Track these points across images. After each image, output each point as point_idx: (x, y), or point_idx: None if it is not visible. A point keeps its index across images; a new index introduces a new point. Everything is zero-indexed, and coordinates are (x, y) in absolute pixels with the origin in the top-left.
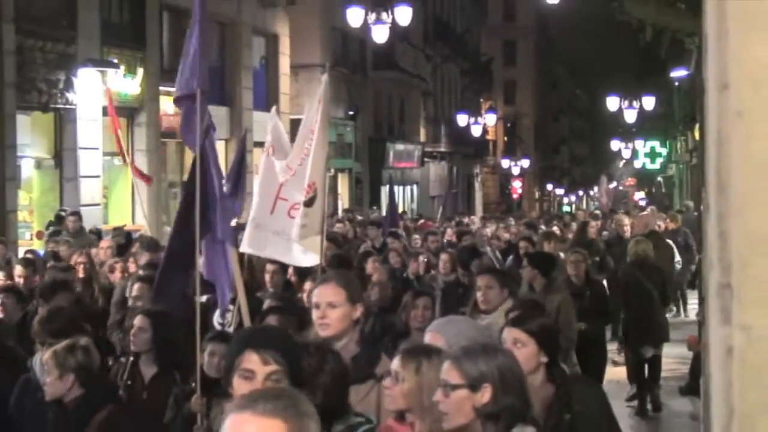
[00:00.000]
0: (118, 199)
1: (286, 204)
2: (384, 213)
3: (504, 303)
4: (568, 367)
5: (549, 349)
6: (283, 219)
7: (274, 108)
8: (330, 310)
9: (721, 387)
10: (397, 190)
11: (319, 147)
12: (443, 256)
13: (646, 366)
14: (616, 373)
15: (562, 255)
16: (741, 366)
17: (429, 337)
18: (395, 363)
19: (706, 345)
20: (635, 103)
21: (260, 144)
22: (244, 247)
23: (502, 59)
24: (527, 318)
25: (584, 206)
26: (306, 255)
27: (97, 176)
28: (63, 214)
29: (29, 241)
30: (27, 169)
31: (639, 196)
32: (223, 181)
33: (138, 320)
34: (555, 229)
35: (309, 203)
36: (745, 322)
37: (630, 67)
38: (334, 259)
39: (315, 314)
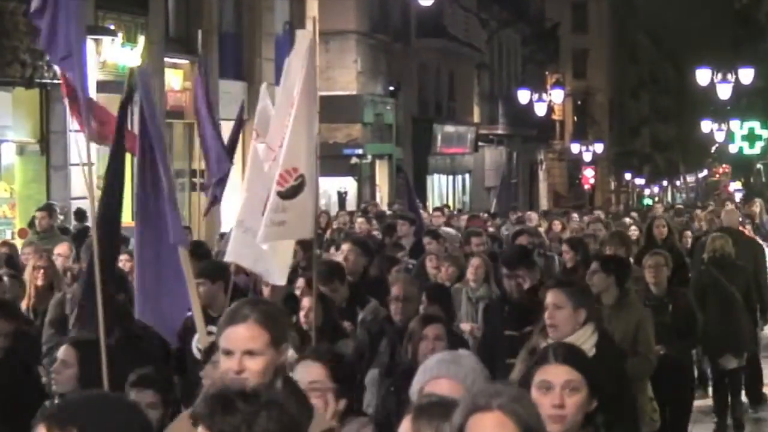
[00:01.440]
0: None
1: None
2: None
3: (579, 328)
4: (643, 400)
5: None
6: (276, 209)
7: (264, 84)
8: (249, 360)
9: None
10: (446, 179)
11: (303, 122)
12: (473, 261)
13: (727, 379)
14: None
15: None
16: None
17: (443, 386)
18: (405, 427)
19: None
20: (730, 77)
21: None
22: (230, 257)
23: (571, 24)
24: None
25: (669, 199)
26: (275, 266)
27: (91, 164)
28: (54, 207)
29: (11, 240)
30: (8, 155)
31: (734, 186)
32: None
33: (62, 352)
34: (633, 229)
35: (290, 194)
36: None
37: (724, 35)
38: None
39: (227, 363)
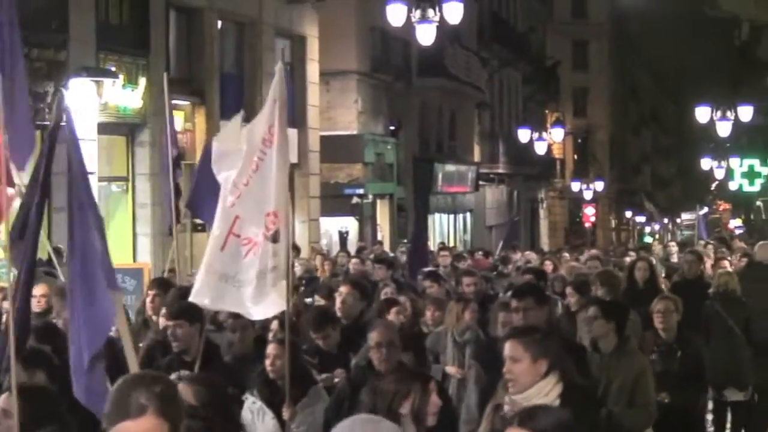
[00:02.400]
0: (117, 232)
1: (237, 241)
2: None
3: (541, 380)
4: None
5: None
6: (235, 260)
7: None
8: None
9: None
10: (448, 219)
11: (280, 164)
12: (464, 305)
13: (729, 412)
14: None
15: None
16: None
17: None
18: None
19: None
20: (729, 114)
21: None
22: (196, 298)
23: (572, 63)
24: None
25: (669, 237)
26: (264, 305)
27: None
28: (61, 250)
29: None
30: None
31: (734, 223)
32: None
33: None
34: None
35: (277, 237)
36: None
37: (723, 72)
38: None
39: None
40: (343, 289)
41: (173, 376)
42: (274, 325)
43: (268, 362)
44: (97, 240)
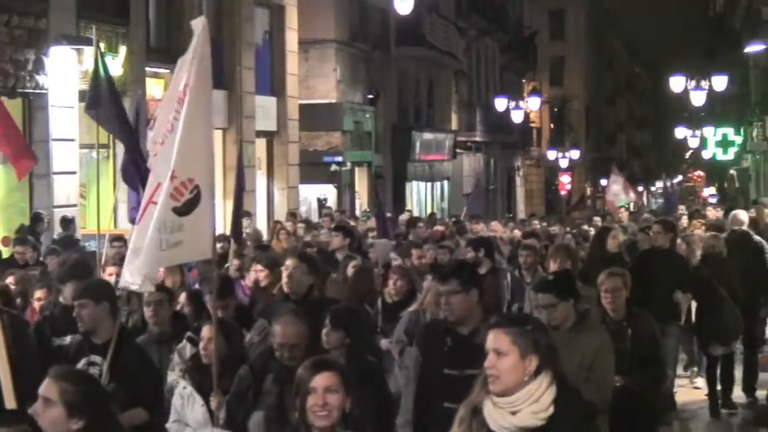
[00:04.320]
0: (98, 198)
1: (154, 207)
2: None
3: (531, 381)
4: None
5: None
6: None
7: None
8: None
9: None
10: (425, 186)
11: (197, 125)
12: (428, 285)
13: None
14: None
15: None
16: None
17: None
18: None
19: None
20: (704, 84)
21: (263, 133)
22: (124, 280)
23: (549, 32)
24: None
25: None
26: (145, 276)
27: (74, 172)
28: (41, 215)
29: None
30: None
31: (709, 191)
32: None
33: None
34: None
35: (186, 210)
36: None
37: (698, 43)
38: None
39: None
40: (289, 262)
41: (82, 362)
42: (182, 298)
43: (201, 345)
44: None
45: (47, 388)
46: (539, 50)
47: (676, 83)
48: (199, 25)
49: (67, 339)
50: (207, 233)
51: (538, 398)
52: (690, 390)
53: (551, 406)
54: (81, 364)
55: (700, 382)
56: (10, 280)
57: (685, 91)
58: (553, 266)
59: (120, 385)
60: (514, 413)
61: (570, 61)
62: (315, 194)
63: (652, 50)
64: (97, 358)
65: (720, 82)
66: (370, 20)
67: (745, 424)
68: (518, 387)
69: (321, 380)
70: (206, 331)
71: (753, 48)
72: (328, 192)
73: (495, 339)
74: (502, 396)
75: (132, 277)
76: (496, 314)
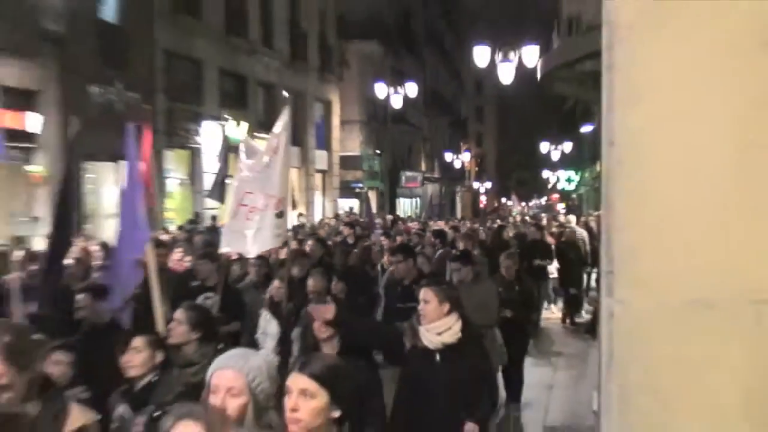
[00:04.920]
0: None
1: (245, 209)
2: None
3: (445, 317)
4: (496, 343)
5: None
6: (240, 221)
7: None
8: (1, 394)
9: (605, 338)
10: (407, 201)
11: (284, 167)
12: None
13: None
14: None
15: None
16: (617, 324)
17: (228, 375)
18: None
19: (598, 310)
20: (559, 147)
21: (319, 170)
22: (222, 247)
23: (475, 117)
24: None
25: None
26: (258, 245)
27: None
28: (199, 214)
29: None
30: (172, 185)
31: (560, 206)
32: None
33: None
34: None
35: (279, 214)
36: (620, 296)
37: (557, 124)
38: None
39: None
40: (310, 241)
41: (201, 297)
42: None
43: (273, 289)
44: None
45: (178, 313)
46: (469, 127)
47: (544, 146)
48: (286, 110)
49: (194, 283)
50: (286, 228)
51: (451, 326)
52: (550, 315)
53: (459, 333)
54: (200, 299)
55: (555, 311)
56: (164, 238)
57: (549, 151)
58: (462, 245)
59: (223, 310)
60: (439, 334)
61: (486, 134)
62: (347, 205)
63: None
64: (210, 294)
65: (567, 147)
66: (378, 109)
67: (578, 331)
68: (439, 319)
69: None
70: (276, 283)
71: (585, 128)
72: (354, 203)
73: (424, 292)
74: (429, 324)
75: (252, 246)
76: (426, 278)
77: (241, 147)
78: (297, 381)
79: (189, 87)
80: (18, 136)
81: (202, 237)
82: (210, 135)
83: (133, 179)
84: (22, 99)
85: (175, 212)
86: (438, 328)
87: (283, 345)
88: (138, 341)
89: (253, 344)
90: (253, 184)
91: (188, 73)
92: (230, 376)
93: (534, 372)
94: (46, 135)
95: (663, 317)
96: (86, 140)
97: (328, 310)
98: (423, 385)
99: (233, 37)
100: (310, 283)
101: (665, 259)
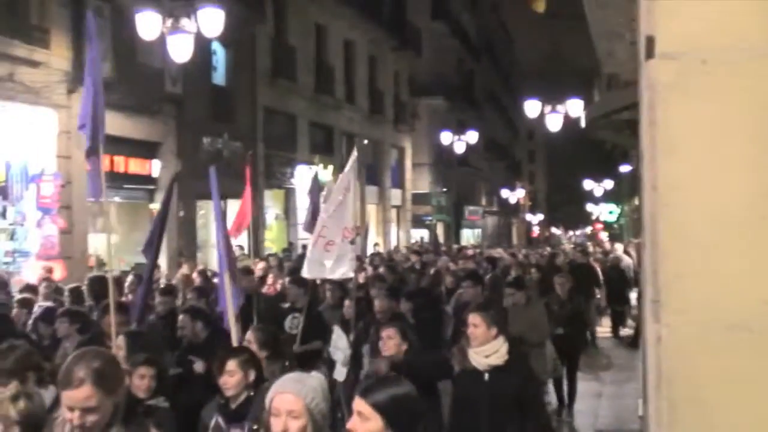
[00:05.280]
0: None
1: (324, 240)
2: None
3: (493, 340)
4: (550, 356)
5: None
6: (320, 251)
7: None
8: (89, 416)
9: (653, 359)
10: (470, 232)
11: (355, 201)
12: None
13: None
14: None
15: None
16: (665, 347)
17: (288, 399)
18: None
19: (644, 334)
20: (601, 184)
21: (394, 206)
22: (304, 272)
23: (528, 160)
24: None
25: (573, 240)
26: (339, 272)
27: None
28: (293, 244)
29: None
30: (270, 219)
31: (604, 235)
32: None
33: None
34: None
35: (353, 242)
36: (666, 321)
37: (599, 164)
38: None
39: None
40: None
41: (289, 317)
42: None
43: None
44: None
45: (249, 334)
46: (523, 168)
47: (588, 184)
48: (353, 154)
49: (285, 305)
50: (359, 252)
51: (498, 349)
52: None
53: (506, 354)
54: (288, 319)
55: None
56: (260, 265)
57: (592, 189)
58: (514, 272)
59: (306, 330)
60: (487, 356)
61: (537, 174)
62: (418, 235)
63: (575, 167)
64: (297, 314)
65: (609, 184)
66: (444, 154)
67: (623, 343)
68: (487, 342)
69: (385, 332)
70: (348, 303)
71: (624, 168)
72: (425, 233)
73: (472, 317)
74: (478, 347)
75: (331, 272)
76: (473, 304)
77: (324, 190)
78: (357, 404)
79: (284, 137)
80: (143, 179)
81: (292, 263)
82: (302, 177)
83: (218, 214)
84: (146, 149)
85: (272, 242)
86: (486, 351)
87: (354, 359)
88: (231, 364)
89: (331, 359)
90: (330, 220)
91: (284, 126)
92: (290, 399)
93: (585, 381)
94: (165, 179)
95: (706, 339)
96: (198, 182)
97: (380, 369)
98: (473, 404)
99: (322, 95)
100: (377, 303)
101: (706, 288)
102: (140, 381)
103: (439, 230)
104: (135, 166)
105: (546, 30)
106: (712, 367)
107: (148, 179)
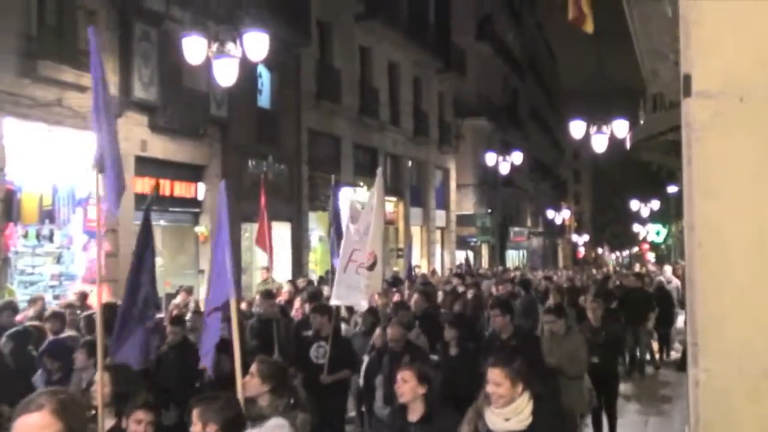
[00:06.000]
0: None
1: (355, 264)
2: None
3: (518, 397)
4: (585, 388)
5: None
6: (351, 276)
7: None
8: None
9: (693, 402)
10: (515, 253)
11: (379, 224)
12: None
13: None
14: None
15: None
16: (703, 391)
17: None
18: None
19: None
20: (648, 205)
21: (438, 227)
22: (333, 300)
23: (573, 180)
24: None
25: (620, 261)
26: (362, 301)
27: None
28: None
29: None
30: (314, 240)
31: (650, 256)
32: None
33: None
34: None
35: (371, 267)
36: (704, 366)
37: (645, 184)
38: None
39: None
40: (415, 296)
41: (314, 345)
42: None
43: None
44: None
45: (253, 366)
46: (568, 188)
47: (634, 204)
48: (379, 173)
49: (307, 332)
50: (379, 279)
51: (522, 410)
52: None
53: (530, 416)
54: (313, 348)
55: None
56: (286, 288)
57: (639, 209)
58: (552, 298)
59: (333, 359)
60: (507, 420)
61: (583, 194)
62: (462, 256)
63: (621, 189)
64: (323, 343)
65: (655, 204)
66: (488, 174)
67: (670, 367)
68: (509, 403)
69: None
70: (378, 331)
71: (671, 189)
72: (469, 254)
73: (491, 374)
74: (500, 409)
75: (348, 300)
76: (493, 355)
77: (350, 212)
78: None
79: (328, 159)
80: (188, 202)
81: (312, 289)
82: (344, 198)
83: (222, 236)
84: (192, 172)
85: (315, 264)
86: (507, 413)
87: (366, 391)
88: (195, 415)
89: (359, 389)
90: (360, 243)
91: (328, 148)
92: None
93: (631, 407)
94: (210, 201)
95: (744, 384)
96: (243, 205)
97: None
98: None
99: (366, 117)
100: (389, 332)
101: (743, 332)
102: (136, 426)
103: (484, 252)
104: (180, 189)
105: (591, 49)
106: (750, 414)
107: (193, 202)
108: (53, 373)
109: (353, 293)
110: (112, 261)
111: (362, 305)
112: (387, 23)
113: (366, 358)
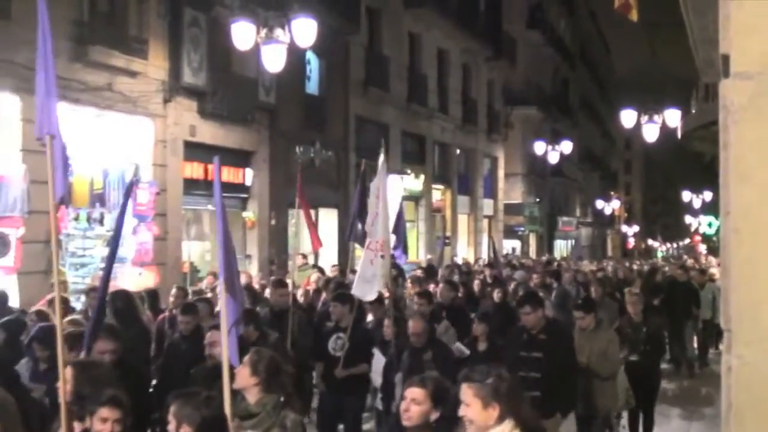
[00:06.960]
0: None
1: (371, 254)
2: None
3: (496, 425)
4: (622, 388)
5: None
6: (368, 265)
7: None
8: None
9: (725, 390)
10: (563, 243)
11: (384, 214)
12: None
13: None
14: None
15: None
16: (735, 378)
17: None
18: None
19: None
20: (700, 196)
21: (486, 216)
22: (354, 291)
23: (624, 170)
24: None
25: (672, 253)
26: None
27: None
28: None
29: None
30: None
31: (702, 248)
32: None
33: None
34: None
35: (383, 257)
36: (738, 352)
37: (698, 175)
38: None
39: None
40: (441, 286)
41: (333, 336)
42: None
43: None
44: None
45: (247, 356)
46: (619, 178)
47: (686, 195)
48: (383, 165)
49: (329, 323)
50: (388, 270)
51: None
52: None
53: None
54: (333, 338)
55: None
56: (314, 277)
57: (691, 200)
58: (594, 290)
59: (351, 351)
60: None
61: (634, 184)
62: (510, 245)
63: (673, 178)
64: (341, 335)
65: (708, 195)
66: (537, 163)
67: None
68: (486, 429)
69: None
70: (386, 322)
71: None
72: (516, 244)
73: (462, 392)
74: None
75: (367, 293)
76: (465, 368)
77: (370, 200)
78: None
79: (376, 146)
80: (236, 188)
81: (338, 278)
82: (391, 187)
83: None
84: (240, 158)
85: (359, 251)
86: None
87: (385, 389)
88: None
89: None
90: (371, 232)
91: (376, 135)
92: None
93: (673, 410)
94: (257, 187)
95: None
96: (290, 191)
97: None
98: None
99: (414, 104)
100: (410, 325)
101: None
102: (102, 425)
103: (532, 241)
104: (228, 174)
105: (644, 38)
106: None
107: (241, 187)
108: (40, 363)
109: (367, 284)
110: (160, 244)
111: (370, 296)
112: (437, 10)
113: (376, 352)
